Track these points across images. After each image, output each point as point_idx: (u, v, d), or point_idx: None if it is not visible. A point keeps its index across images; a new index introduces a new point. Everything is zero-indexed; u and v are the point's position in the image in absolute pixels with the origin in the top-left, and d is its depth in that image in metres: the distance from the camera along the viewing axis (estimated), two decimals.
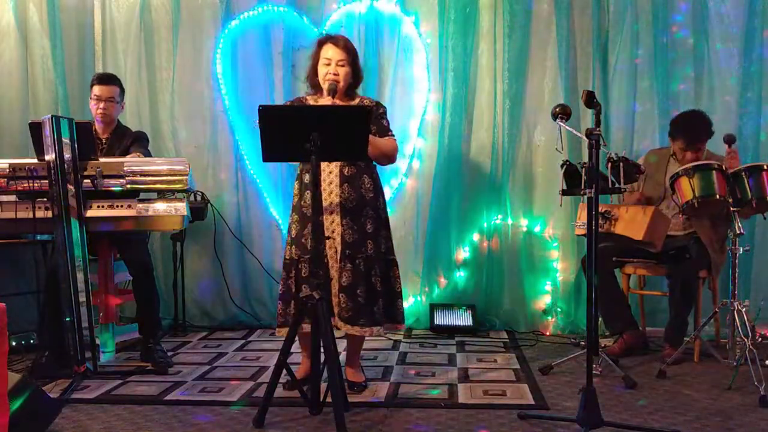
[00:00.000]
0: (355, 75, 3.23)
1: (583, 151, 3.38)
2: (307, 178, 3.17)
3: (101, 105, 3.76)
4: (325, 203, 3.13)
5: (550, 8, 4.50)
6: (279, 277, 4.63)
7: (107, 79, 3.82)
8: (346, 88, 3.20)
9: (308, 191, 3.14)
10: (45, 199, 3.35)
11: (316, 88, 3.25)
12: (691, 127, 3.82)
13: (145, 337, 3.77)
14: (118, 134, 3.88)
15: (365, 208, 3.18)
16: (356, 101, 3.26)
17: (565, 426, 2.75)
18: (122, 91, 3.88)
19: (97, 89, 3.77)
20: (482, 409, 2.98)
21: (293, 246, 3.19)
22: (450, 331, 4.49)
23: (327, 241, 3.11)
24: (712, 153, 3.87)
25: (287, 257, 3.22)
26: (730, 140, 3.66)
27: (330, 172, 3.15)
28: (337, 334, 3.07)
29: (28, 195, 3.37)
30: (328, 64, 3.16)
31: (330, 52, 3.16)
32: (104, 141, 3.83)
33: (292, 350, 2.84)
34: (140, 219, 3.43)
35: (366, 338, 3.38)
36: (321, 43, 3.23)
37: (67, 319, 3.30)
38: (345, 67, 3.15)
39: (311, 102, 3.25)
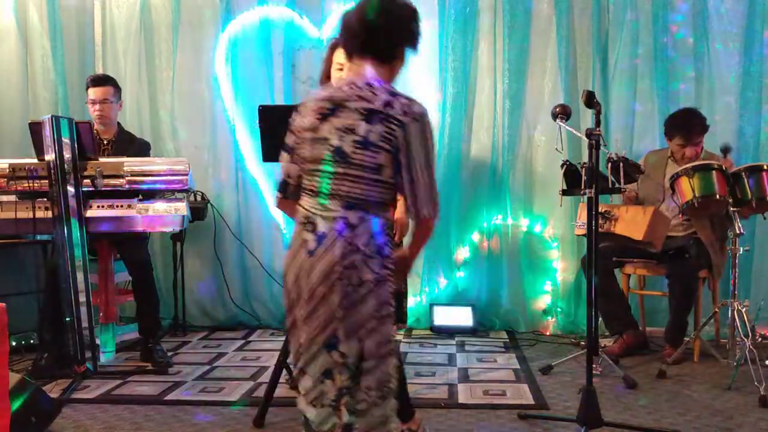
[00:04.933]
0: None
1: (583, 151, 3.38)
2: None
3: (97, 107, 3.78)
4: None
5: (550, 8, 4.50)
6: (279, 277, 4.68)
7: (100, 81, 3.83)
8: None
9: None
10: (45, 199, 3.35)
11: None
12: (686, 122, 3.84)
13: (145, 337, 3.77)
14: (124, 139, 3.89)
15: None
16: None
17: (565, 426, 2.75)
18: (117, 90, 3.88)
19: (91, 92, 3.79)
20: (482, 409, 2.98)
21: None
22: (450, 331, 4.49)
23: None
24: (711, 153, 3.87)
25: None
26: (726, 150, 3.66)
27: None
28: None
29: (28, 195, 3.37)
30: (341, 69, 3.14)
31: (342, 57, 3.14)
32: (106, 142, 3.84)
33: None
34: (140, 219, 3.43)
35: None
36: (333, 47, 3.20)
37: (67, 319, 3.30)
38: None
39: None
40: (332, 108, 1.92)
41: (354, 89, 1.92)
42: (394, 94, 1.92)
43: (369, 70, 1.96)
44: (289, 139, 2.02)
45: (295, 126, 2.00)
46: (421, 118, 1.90)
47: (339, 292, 1.84)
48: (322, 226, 1.89)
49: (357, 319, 1.85)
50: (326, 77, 3.24)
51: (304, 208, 1.95)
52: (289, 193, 2.03)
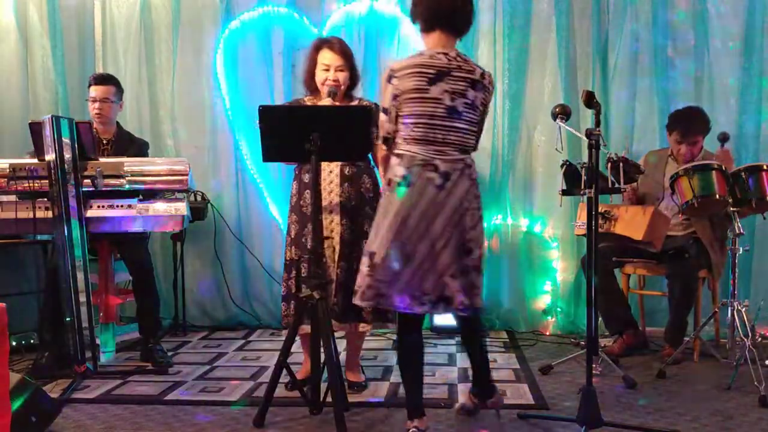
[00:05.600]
0: (353, 77, 3.22)
1: (583, 151, 3.38)
2: (306, 177, 3.17)
3: (96, 105, 3.78)
4: (324, 202, 3.12)
5: (549, 8, 4.50)
6: (279, 277, 4.65)
7: (103, 80, 3.84)
8: (345, 91, 3.20)
9: (308, 191, 3.14)
10: (45, 199, 3.35)
11: (312, 90, 3.24)
12: (686, 119, 3.85)
13: (145, 336, 3.77)
14: (123, 139, 3.89)
15: (364, 207, 3.18)
16: (355, 103, 3.25)
17: (565, 426, 2.75)
18: (119, 90, 3.88)
19: (92, 90, 3.80)
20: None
21: (293, 246, 3.19)
22: (450, 331, 4.48)
23: (326, 240, 3.11)
24: (710, 152, 3.87)
25: (287, 258, 3.22)
26: (723, 138, 3.66)
27: (331, 171, 3.15)
28: (337, 334, 3.07)
29: (28, 195, 3.37)
30: (327, 70, 3.14)
31: (328, 57, 3.14)
32: (105, 142, 3.84)
33: (292, 350, 2.84)
34: (140, 219, 3.43)
35: (366, 338, 3.38)
36: (317, 48, 3.20)
37: (68, 319, 3.30)
38: (344, 71, 3.14)
39: (309, 104, 3.24)
40: (437, 74, 2.46)
41: (450, 59, 2.49)
42: (477, 65, 2.58)
43: (449, 42, 2.53)
44: (387, 102, 2.52)
45: (395, 89, 2.49)
46: (493, 85, 2.64)
47: (472, 213, 2.51)
48: (443, 167, 2.47)
49: (480, 234, 2.55)
50: (310, 77, 3.23)
51: (415, 153, 2.47)
52: (390, 146, 2.56)
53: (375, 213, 3.18)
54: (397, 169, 2.49)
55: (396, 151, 2.52)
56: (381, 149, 2.64)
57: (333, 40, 3.22)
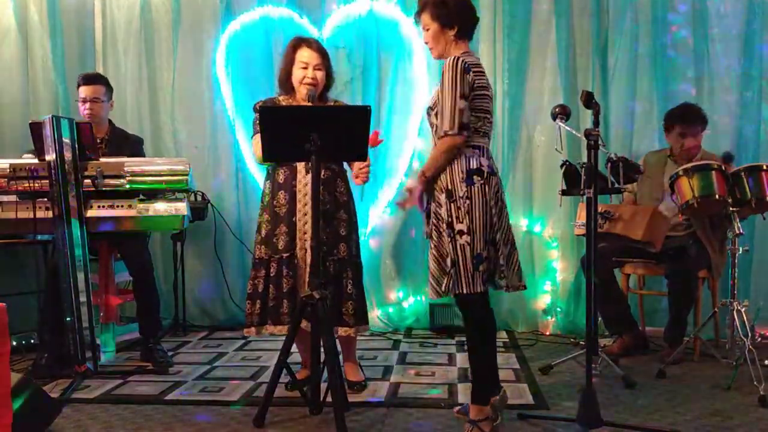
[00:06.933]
0: (329, 78, 3.22)
1: (582, 151, 3.38)
2: (281, 177, 3.16)
3: (87, 105, 3.78)
4: (299, 205, 3.12)
5: (549, 9, 4.50)
6: None
7: (91, 79, 3.84)
8: (320, 92, 3.20)
9: (282, 191, 3.14)
10: (45, 199, 3.35)
11: (288, 90, 3.22)
12: (685, 112, 3.86)
13: (145, 336, 3.78)
14: (118, 137, 3.89)
15: (339, 211, 3.18)
16: (330, 104, 3.26)
17: (565, 426, 2.75)
18: (109, 89, 3.88)
19: (82, 90, 3.79)
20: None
21: (263, 245, 3.18)
22: (450, 331, 4.49)
23: (298, 242, 3.11)
24: (708, 152, 3.87)
25: (257, 256, 3.21)
26: (728, 159, 3.65)
27: (306, 174, 3.13)
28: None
29: (28, 195, 3.37)
30: (305, 68, 3.14)
31: (306, 55, 3.14)
32: (99, 140, 3.82)
33: (292, 350, 2.84)
34: (140, 219, 3.43)
35: (367, 338, 3.38)
36: (295, 46, 3.20)
37: (68, 319, 3.30)
38: (321, 71, 3.15)
39: (284, 104, 3.23)
40: (486, 77, 2.63)
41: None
42: None
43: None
44: (467, 90, 2.53)
45: (473, 81, 2.55)
46: None
47: None
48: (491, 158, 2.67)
49: None
50: (287, 76, 3.22)
51: (486, 146, 2.63)
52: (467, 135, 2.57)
53: (349, 217, 3.21)
54: (482, 161, 2.58)
55: (473, 143, 2.58)
56: (453, 139, 2.52)
57: (311, 39, 3.24)
